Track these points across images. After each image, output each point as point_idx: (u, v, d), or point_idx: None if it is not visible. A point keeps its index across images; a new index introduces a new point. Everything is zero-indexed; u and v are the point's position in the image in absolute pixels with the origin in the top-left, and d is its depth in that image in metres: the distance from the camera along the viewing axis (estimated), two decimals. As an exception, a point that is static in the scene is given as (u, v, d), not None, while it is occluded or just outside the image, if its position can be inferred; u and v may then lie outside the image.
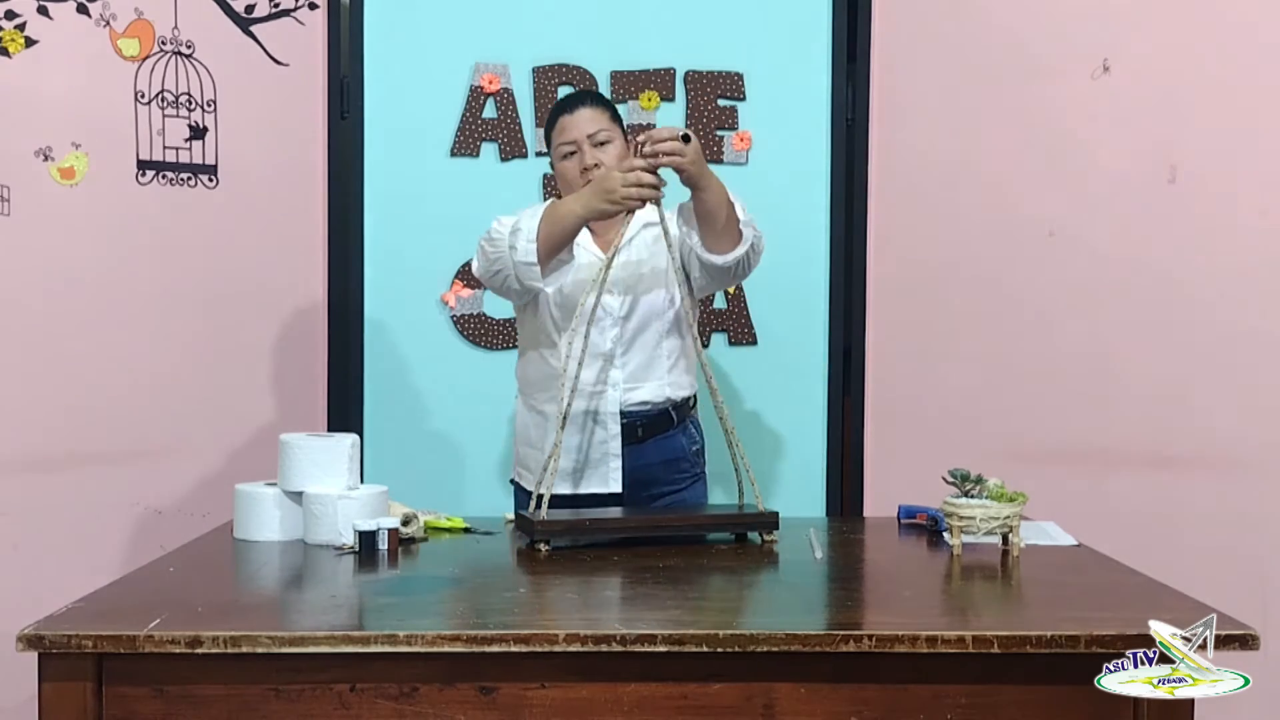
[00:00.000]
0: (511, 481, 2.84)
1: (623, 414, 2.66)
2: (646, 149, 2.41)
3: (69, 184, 3.06)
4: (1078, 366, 3.25)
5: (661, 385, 2.69)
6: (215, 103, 3.26)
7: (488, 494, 3.32)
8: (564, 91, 3.38)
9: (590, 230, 2.70)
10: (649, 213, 2.56)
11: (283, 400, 3.37)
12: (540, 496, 2.37)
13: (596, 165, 2.61)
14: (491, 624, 1.74)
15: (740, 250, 2.55)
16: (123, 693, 1.70)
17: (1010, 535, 2.25)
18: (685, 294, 2.60)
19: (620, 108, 3.37)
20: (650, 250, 2.69)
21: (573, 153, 2.64)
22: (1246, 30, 3.07)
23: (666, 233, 2.50)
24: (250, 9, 3.30)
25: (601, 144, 2.64)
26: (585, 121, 2.64)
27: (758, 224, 2.62)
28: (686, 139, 2.40)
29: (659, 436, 2.70)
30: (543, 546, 2.29)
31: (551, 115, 2.72)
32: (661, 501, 2.71)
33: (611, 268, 2.47)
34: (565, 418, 2.44)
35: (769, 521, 2.38)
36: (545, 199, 3.27)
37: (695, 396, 2.79)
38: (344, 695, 1.70)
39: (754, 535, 2.40)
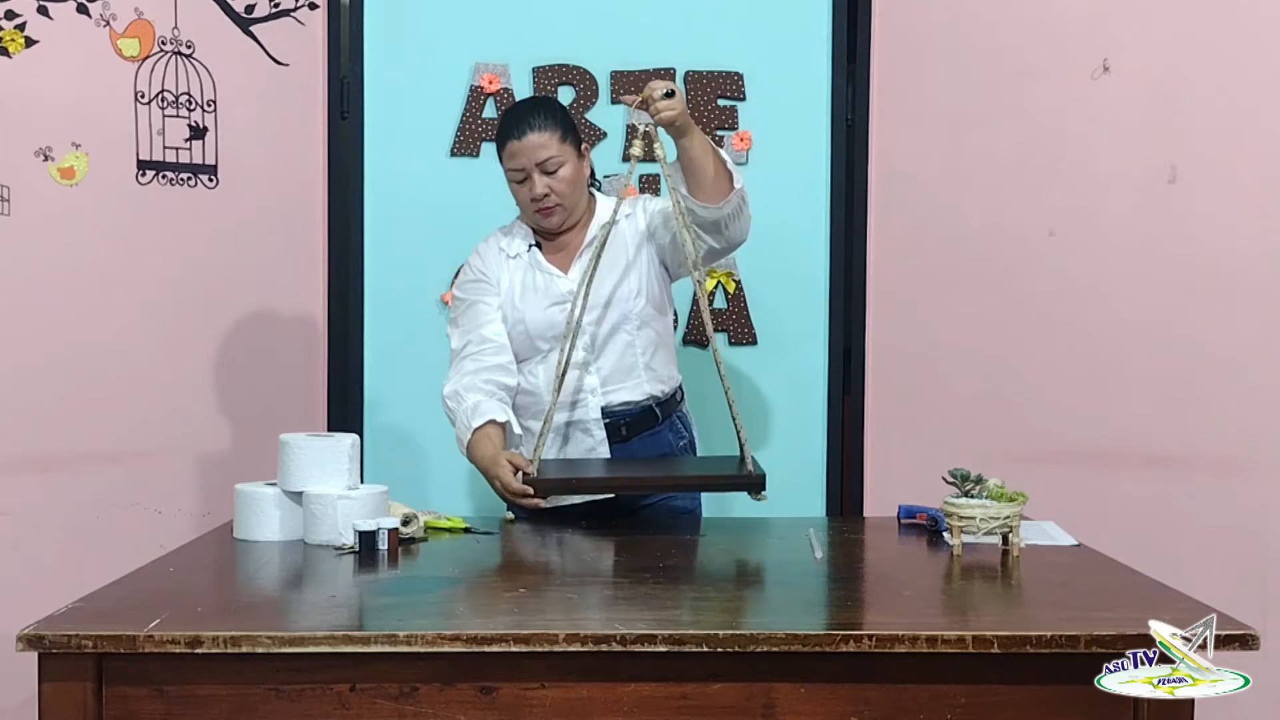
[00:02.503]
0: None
1: (605, 413, 2.65)
2: (651, 110, 2.42)
3: (69, 184, 3.06)
4: (1078, 366, 3.25)
5: (640, 384, 2.66)
6: (215, 103, 3.26)
7: (487, 494, 3.31)
8: (564, 93, 3.39)
9: (539, 245, 2.70)
10: (606, 213, 2.61)
11: (283, 400, 3.37)
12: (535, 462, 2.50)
13: (547, 194, 2.59)
14: (491, 624, 1.74)
15: (734, 198, 2.52)
16: (123, 693, 1.70)
17: (1010, 535, 2.25)
18: (661, 281, 2.67)
19: (620, 108, 3.39)
20: (611, 248, 2.62)
21: (523, 180, 2.61)
22: (1246, 30, 3.07)
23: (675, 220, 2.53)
24: (250, 9, 3.30)
25: (551, 172, 2.59)
26: (533, 149, 2.57)
27: (754, 232, 2.65)
28: (671, 94, 2.42)
29: (644, 434, 2.68)
30: (541, 502, 2.44)
31: (499, 134, 2.64)
32: (651, 502, 2.71)
33: (569, 273, 2.60)
34: (548, 423, 2.52)
35: (756, 482, 2.40)
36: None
37: (681, 390, 2.78)
38: (344, 695, 1.70)
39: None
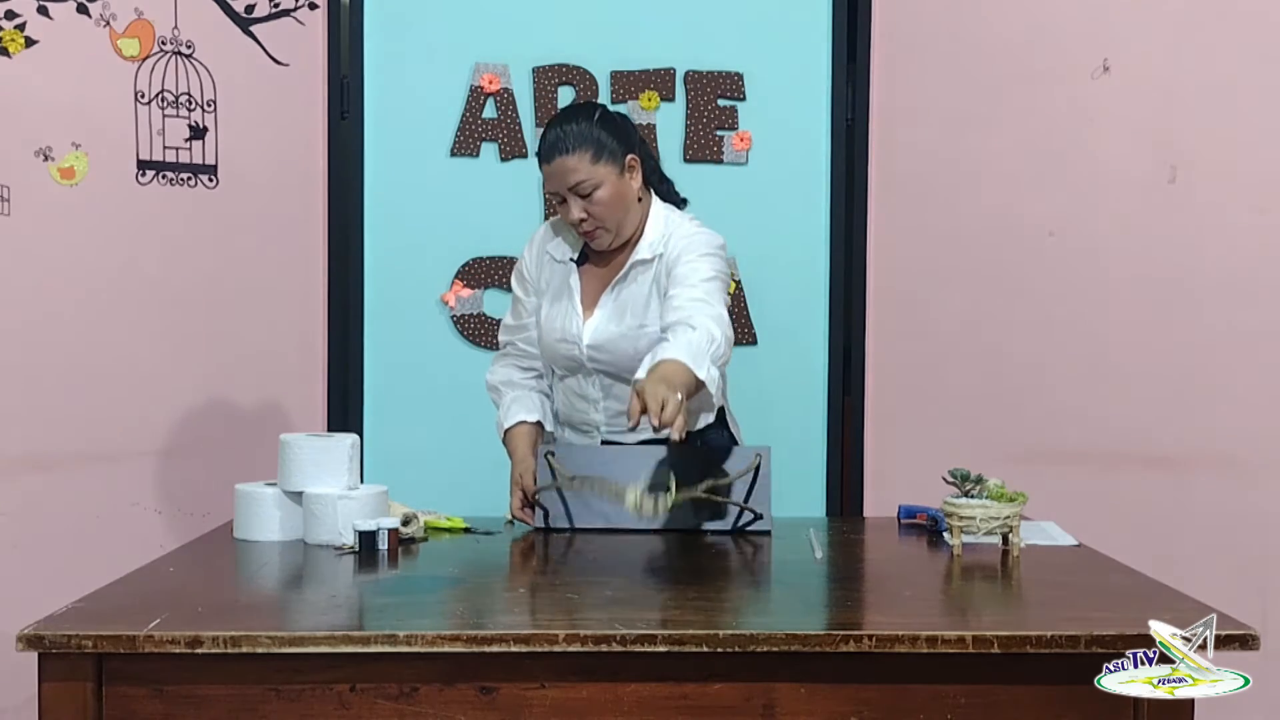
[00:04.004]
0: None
1: (613, 441, 2.59)
2: (673, 434, 2.14)
3: (69, 184, 3.06)
4: (1078, 366, 3.25)
5: (647, 428, 2.60)
6: (215, 103, 3.26)
7: (488, 494, 3.31)
8: (564, 93, 3.39)
9: (578, 261, 2.58)
10: (641, 252, 2.51)
11: (283, 400, 3.37)
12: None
13: (584, 219, 2.45)
14: (491, 624, 1.74)
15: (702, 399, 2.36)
16: (123, 693, 1.70)
17: (1010, 535, 2.25)
18: None
19: (620, 108, 3.39)
20: (632, 285, 2.53)
21: (562, 201, 2.49)
22: (1246, 30, 3.07)
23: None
24: (250, 9, 3.30)
25: (586, 195, 2.43)
26: (564, 173, 2.43)
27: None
28: (678, 403, 2.13)
29: None
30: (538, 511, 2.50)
31: (539, 153, 2.49)
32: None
33: (592, 314, 2.54)
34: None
35: (760, 528, 2.39)
36: (546, 203, 3.27)
37: (718, 415, 2.63)
38: (344, 695, 1.70)
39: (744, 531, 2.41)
